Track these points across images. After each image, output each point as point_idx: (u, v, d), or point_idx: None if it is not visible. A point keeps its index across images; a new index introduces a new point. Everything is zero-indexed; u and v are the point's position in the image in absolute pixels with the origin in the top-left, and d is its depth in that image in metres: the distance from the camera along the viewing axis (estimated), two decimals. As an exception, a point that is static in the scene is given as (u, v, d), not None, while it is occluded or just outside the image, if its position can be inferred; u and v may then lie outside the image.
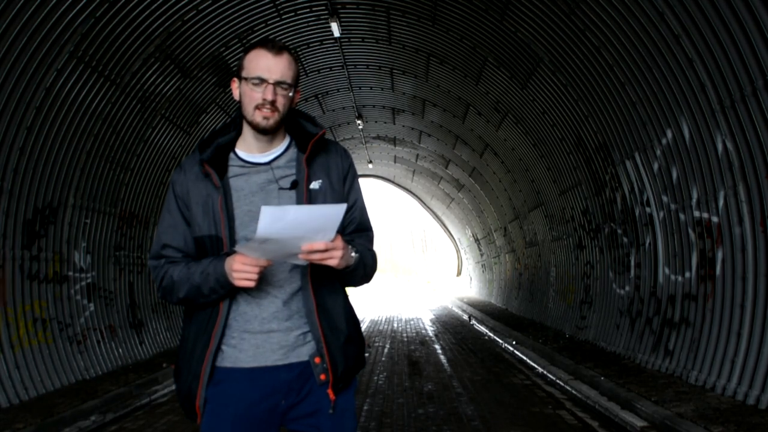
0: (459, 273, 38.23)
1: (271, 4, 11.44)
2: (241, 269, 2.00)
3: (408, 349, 12.66)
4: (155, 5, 9.08)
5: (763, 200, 6.30)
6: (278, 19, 12.02)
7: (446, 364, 10.61)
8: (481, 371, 9.87)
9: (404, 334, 15.62)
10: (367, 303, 29.19)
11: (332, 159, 2.28)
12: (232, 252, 2.09)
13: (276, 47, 2.15)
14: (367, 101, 18.50)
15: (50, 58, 7.83)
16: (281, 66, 2.13)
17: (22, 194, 7.98)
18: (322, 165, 2.25)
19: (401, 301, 31.07)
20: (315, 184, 2.20)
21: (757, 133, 6.20)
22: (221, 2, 10.36)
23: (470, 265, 33.80)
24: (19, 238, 7.96)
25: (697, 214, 7.71)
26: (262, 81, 2.12)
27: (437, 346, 13.14)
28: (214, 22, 10.74)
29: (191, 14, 10.07)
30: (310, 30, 13.05)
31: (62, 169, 8.81)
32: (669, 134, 8.03)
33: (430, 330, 16.78)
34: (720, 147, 6.94)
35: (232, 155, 2.24)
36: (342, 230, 2.22)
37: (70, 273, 9.20)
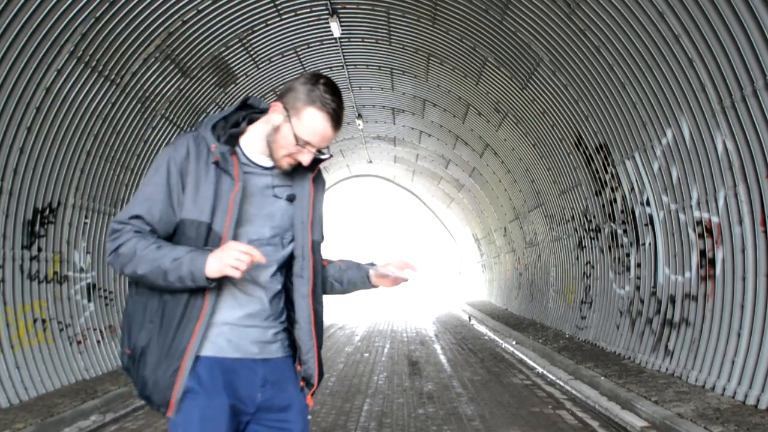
0: (459, 273, 38.24)
1: (271, 4, 11.44)
2: (239, 257, 1.99)
3: (408, 349, 12.66)
4: (155, 5, 9.08)
5: (763, 200, 6.30)
6: (278, 19, 12.02)
7: (446, 364, 10.61)
8: (481, 371, 9.87)
9: (404, 334, 15.62)
10: (367, 303, 29.19)
11: (320, 178, 2.38)
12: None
13: (340, 121, 2.16)
14: (367, 101, 18.49)
15: (50, 58, 7.83)
16: (333, 138, 2.19)
17: (22, 194, 7.98)
18: (319, 183, 2.36)
19: (401, 301, 31.06)
20: (317, 202, 2.32)
21: (757, 133, 6.21)
22: (221, 2, 10.35)
23: (470, 265, 33.80)
24: (19, 238, 7.96)
25: (697, 214, 7.71)
26: (308, 144, 2.16)
27: (437, 346, 13.14)
28: (214, 22, 10.74)
29: (191, 14, 10.06)
30: (310, 30, 13.04)
31: (62, 169, 8.81)
32: (669, 134, 8.03)
33: (430, 330, 16.78)
34: (720, 147, 6.94)
35: (237, 150, 2.21)
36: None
37: (70, 273, 9.20)
